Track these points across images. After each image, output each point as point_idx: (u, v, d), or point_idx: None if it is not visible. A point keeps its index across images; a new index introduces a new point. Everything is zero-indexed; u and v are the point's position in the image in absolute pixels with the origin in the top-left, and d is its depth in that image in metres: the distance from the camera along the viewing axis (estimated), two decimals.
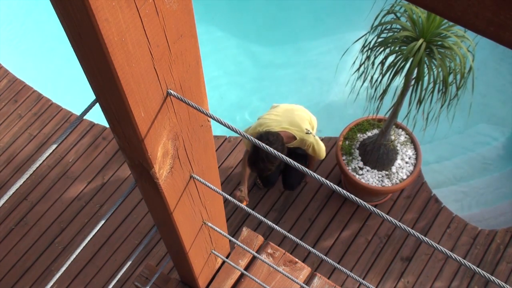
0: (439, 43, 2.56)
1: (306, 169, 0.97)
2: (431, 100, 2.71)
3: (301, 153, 3.53)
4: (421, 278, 3.59)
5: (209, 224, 1.62)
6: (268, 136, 3.03)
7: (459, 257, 0.93)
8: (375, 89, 2.83)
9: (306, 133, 3.26)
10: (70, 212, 3.98)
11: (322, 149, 3.36)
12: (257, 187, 3.98)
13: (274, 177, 3.74)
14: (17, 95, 4.58)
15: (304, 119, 3.31)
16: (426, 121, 2.75)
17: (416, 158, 3.58)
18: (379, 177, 3.53)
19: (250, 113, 4.90)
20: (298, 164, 0.97)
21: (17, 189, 1.26)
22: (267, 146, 0.99)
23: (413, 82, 2.70)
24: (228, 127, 0.99)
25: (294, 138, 3.22)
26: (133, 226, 3.91)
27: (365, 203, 0.97)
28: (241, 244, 1.79)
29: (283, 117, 3.27)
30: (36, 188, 4.09)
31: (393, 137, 3.48)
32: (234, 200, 1.44)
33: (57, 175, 4.14)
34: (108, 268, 3.75)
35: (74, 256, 1.29)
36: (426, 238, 0.92)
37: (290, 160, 0.98)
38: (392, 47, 2.69)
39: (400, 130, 3.65)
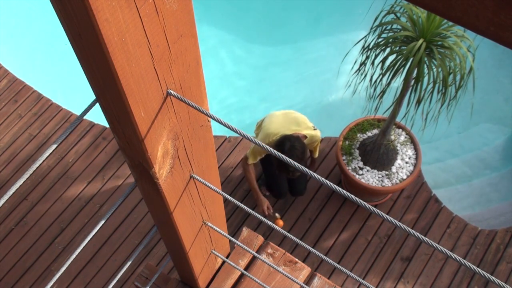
0: (439, 43, 2.56)
1: (307, 170, 0.97)
2: (431, 100, 2.71)
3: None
4: (421, 278, 3.59)
5: (209, 224, 1.62)
6: (290, 139, 3.08)
7: (459, 257, 0.93)
8: (375, 89, 2.83)
9: (314, 129, 3.33)
10: (70, 212, 3.97)
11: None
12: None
13: (284, 187, 3.72)
14: (17, 95, 4.58)
15: (304, 117, 3.36)
16: (425, 121, 2.75)
17: (416, 158, 3.58)
18: (379, 177, 3.53)
19: (250, 113, 4.90)
20: (300, 165, 0.97)
21: (17, 189, 1.26)
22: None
23: (413, 82, 2.70)
24: (228, 127, 0.99)
25: (305, 137, 3.28)
26: (133, 226, 3.90)
27: (365, 203, 0.97)
28: (241, 244, 1.79)
29: (286, 121, 3.29)
30: (36, 188, 4.09)
31: (393, 137, 3.48)
32: (234, 200, 1.44)
33: (57, 175, 4.14)
34: (108, 268, 3.75)
35: (74, 256, 1.29)
36: (426, 238, 0.92)
37: (296, 163, 0.99)
38: (392, 47, 2.69)
39: (400, 130, 3.65)
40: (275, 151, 1.00)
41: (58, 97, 4.61)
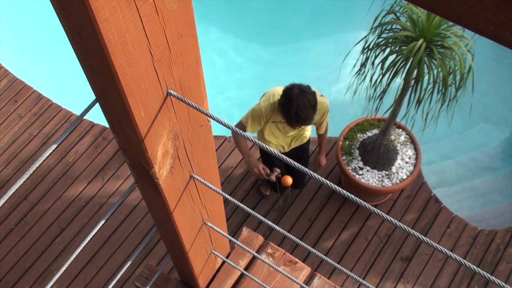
0: (439, 43, 2.56)
1: (306, 169, 0.97)
2: (431, 100, 2.71)
3: (301, 156, 3.50)
4: (421, 278, 3.59)
5: (209, 224, 1.62)
6: (300, 86, 2.72)
7: (459, 257, 0.93)
8: (375, 89, 2.83)
9: (321, 95, 2.98)
10: (70, 212, 3.97)
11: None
12: (257, 193, 3.95)
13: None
14: (17, 95, 4.58)
15: None
16: (425, 122, 2.75)
17: (416, 158, 3.58)
18: (379, 177, 3.53)
19: None
20: (301, 165, 0.97)
21: (17, 189, 1.26)
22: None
23: (413, 82, 2.70)
24: (228, 127, 0.99)
25: None
26: (133, 226, 3.90)
27: (365, 203, 0.97)
28: (241, 244, 1.79)
29: None
30: (36, 188, 4.09)
31: (393, 137, 3.48)
32: (234, 200, 1.44)
33: (57, 175, 4.14)
34: (108, 268, 3.75)
35: (74, 256, 1.29)
36: (426, 238, 0.92)
37: (294, 162, 0.98)
38: (392, 47, 2.69)
39: (400, 130, 3.65)
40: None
41: (58, 97, 4.61)
